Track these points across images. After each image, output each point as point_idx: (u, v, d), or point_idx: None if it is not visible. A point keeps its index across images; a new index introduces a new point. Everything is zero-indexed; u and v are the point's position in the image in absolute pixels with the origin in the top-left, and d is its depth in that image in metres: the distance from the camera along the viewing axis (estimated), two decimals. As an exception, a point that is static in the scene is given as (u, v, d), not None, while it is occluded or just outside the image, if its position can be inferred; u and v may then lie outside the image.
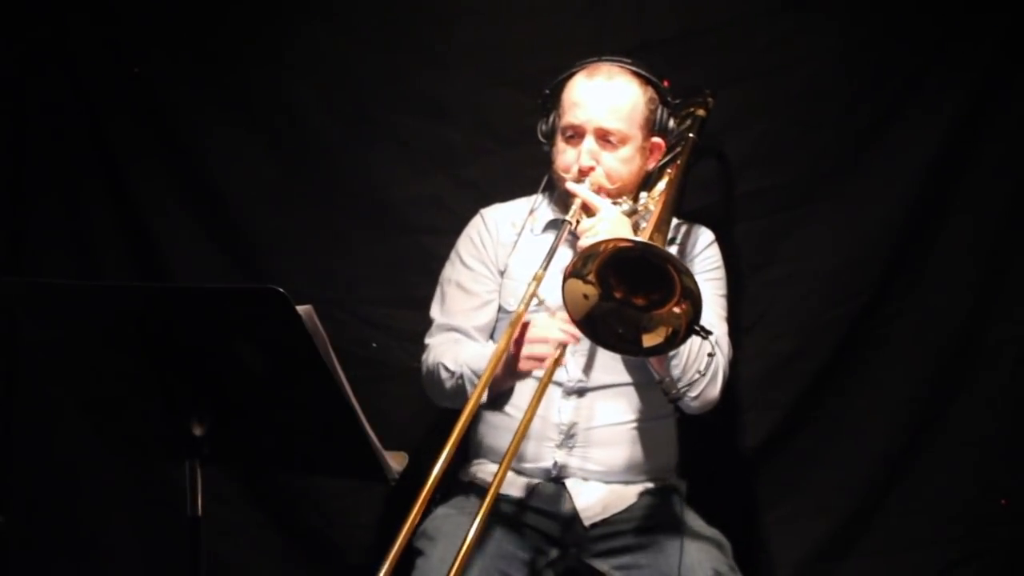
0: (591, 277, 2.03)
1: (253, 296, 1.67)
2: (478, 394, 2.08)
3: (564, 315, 2.11)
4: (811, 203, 2.77)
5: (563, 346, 2.17)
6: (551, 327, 2.18)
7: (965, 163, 2.73)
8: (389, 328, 2.79)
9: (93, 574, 2.88)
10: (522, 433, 2.13)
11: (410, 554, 2.27)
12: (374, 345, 2.72)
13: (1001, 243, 2.75)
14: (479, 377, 2.18)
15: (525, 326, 2.17)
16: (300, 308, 1.63)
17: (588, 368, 2.36)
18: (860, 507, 2.77)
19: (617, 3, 2.80)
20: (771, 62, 2.76)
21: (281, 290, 1.59)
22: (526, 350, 2.18)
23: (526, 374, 2.24)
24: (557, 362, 2.17)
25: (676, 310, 2.00)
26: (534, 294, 2.16)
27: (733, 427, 2.78)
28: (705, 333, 2.00)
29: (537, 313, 2.23)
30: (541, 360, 2.17)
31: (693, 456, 2.58)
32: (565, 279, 2.02)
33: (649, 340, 2.04)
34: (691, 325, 1.98)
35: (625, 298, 2.05)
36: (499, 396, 2.31)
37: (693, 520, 2.35)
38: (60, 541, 2.86)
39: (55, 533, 2.86)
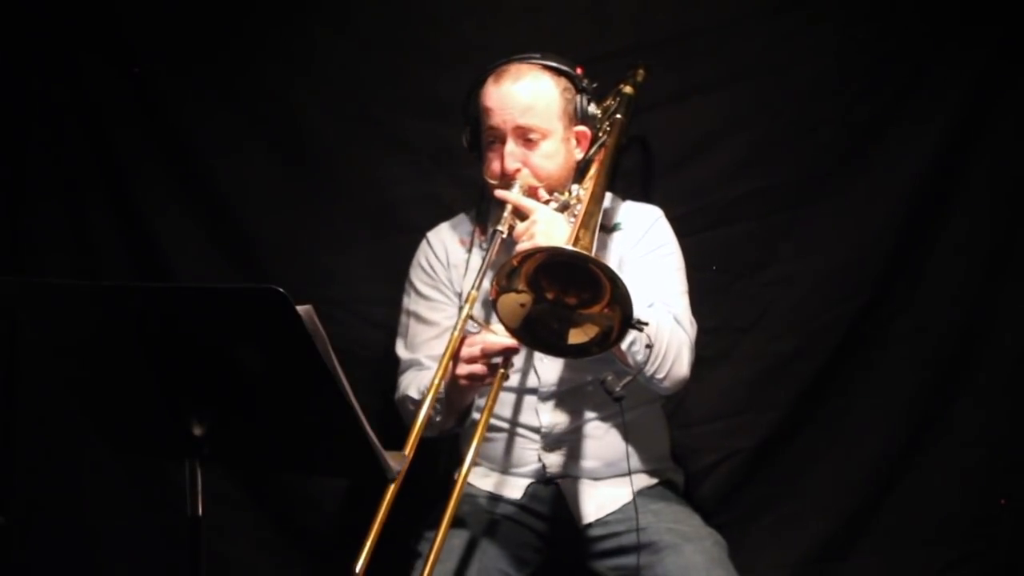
0: (521, 287, 2.02)
1: (253, 296, 1.66)
2: (427, 409, 2.09)
3: (500, 328, 2.11)
4: (811, 203, 2.78)
5: (505, 357, 2.16)
6: (483, 344, 2.16)
7: (964, 163, 2.73)
8: (389, 328, 2.78)
9: (93, 574, 2.88)
10: (480, 432, 2.14)
11: (408, 556, 2.27)
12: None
13: (1001, 243, 2.75)
14: (441, 401, 2.22)
15: (463, 343, 2.17)
16: (300, 308, 1.62)
17: (559, 369, 2.36)
18: (860, 507, 2.77)
19: (617, 3, 2.80)
20: (771, 62, 2.76)
21: (281, 290, 1.59)
22: (461, 370, 2.17)
23: (474, 391, 2.24)
24: (503, 375, 2.16)
25: (607, 309, 2.00)
26: (469, 316, 2.16)
27: (733, 427, 2.78)
28: (641, 325, 1.99)
29: (474, 331, 2.22)
30: (481, 377, 2.17)
31: (693, 456, 2.58)
32: (495, 300, 2.02)
33: (576, 337, 2.03)
34: (625, 321, 1.97)
35: (557, 298, 2.05)
36: (464, 413, 2.32)
37: (690, 519, 2.35)
38: (60, 541, 2.86)
39: (55, 533, 2.86)
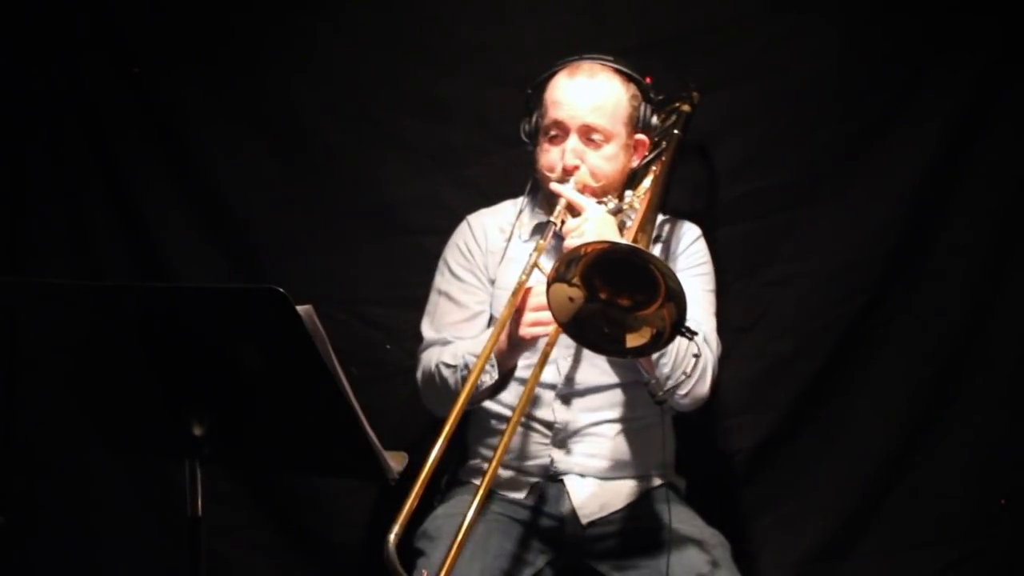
0: (576, 280, 2.02)
1: (253, 296, 1.67)
2: (481, 364, 2.08)
3: None
4: (811, 203, 2.77)
5: None
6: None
7: (965, 162, 2.73)
8: (389, 328, 2.79)
9: (93, 574, 2.89)
10: (512, 429, 2.12)
11: (411, 555, 2.27)
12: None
13: (1000, 243, 2.75)
14: (490, 361, 2.20)
15: (527, 293, 2.16)
16: (300, 308, 1.63)
17: (579, 369, 2.36)
18: (860, 507, 2.77)
19: (617, 3, 2.80)
20: (770, 62, 2.76)
21: (281, 290, 1.60)
22: (529, 317, 2.16)
23: (530, 344, 2.21)
24: (559, 331, 2.11)
25: (661, 311, 1.99)
26: (536, 264, 2.15)
27: (733, 427, 2.78)
28: (691, 334, 1.99)
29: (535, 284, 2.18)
30: (545, 325, 2.15)
31: (693, 457, 2.58)
32: (549, 284, 2.01)
33: (633, 340, 2.03)
34: (676, 326, 1.97)
35: (610, 299, 2.04)
36: (505, 377, 2.28)
37: (692, 519, 2.35)
38: (60, 541, 2.86)
39: (55, 533, 2.86)
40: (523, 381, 2.28)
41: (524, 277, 2.15)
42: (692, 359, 2.15)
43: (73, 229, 2.87)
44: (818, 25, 2.76)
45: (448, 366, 2.30)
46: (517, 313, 2.17)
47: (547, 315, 2.08)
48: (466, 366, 2.26)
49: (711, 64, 2.75)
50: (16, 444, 2.86)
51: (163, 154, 2.85)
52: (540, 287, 2.11)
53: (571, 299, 2.03)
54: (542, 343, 2.21)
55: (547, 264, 2.14)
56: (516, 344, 2.21)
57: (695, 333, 2.01)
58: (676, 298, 1.96)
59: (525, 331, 2.18)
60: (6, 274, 2.76)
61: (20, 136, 2.86)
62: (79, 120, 2.85)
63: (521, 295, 2.16)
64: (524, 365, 2.31)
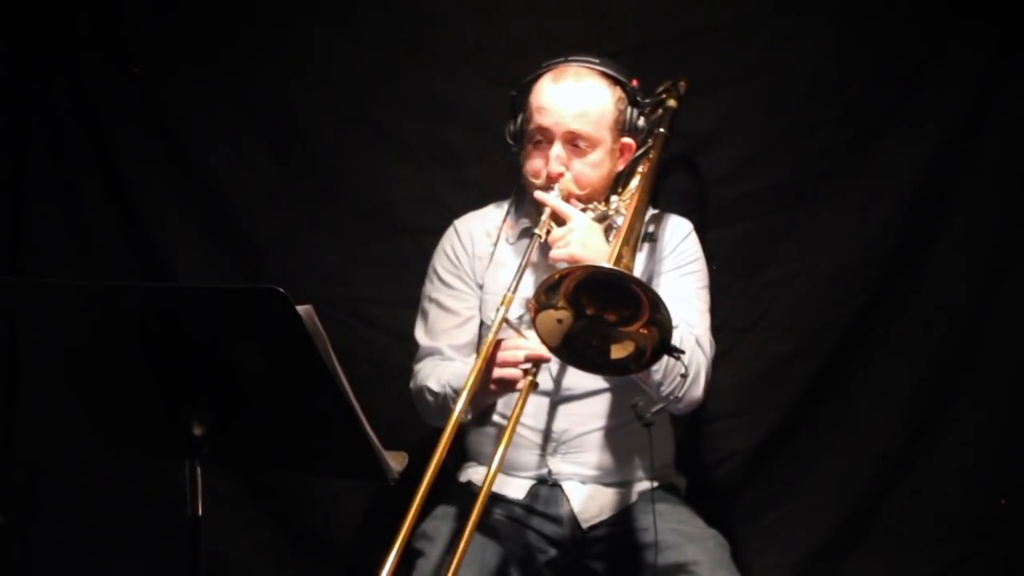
0: (561, 304, 2.01)
1: (253, 296, 1.67)
2: (459, 411, 2.06)
3: (532, 333, 2.10)
4: (811, 203, 2.77)
5: (536, 365, 2.12)
6: (519, 349, 2.13)
7: (965, 162, 2.73)
8: (389, 328, 2.79)
9: (93, 574, 2.89)
10: (507, 443, 2.10)
11: (409, 555, 2.27)
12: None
13: (1000, 243, 2.75)
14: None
15: (497, 347, 2.13)
16: (300, 308, 1.63)
17: (574, 374, 2.34)
18: (860, 507, 2.77)
19: (617, 3, 2.80)
20: (771, 62, 2.76)
21: (281, 290, 1.59)
22: (496, 373, 2.14)
23: (504, 393, 2.21)
24: (532, 382, 2.12)
25: (645, 329, 1.98)
26: (504, 319, 2.12)
27: (733, 427, 2.78)
28: (678, 353, 1.97)
29: (508, 336, 2.16)
30: (513, 382, 2.13)
31: (693, 457, 2.58)
32: (534, 316, 2.00)
33: (617, 352, 2.02)
34: (662, 345, 1.95)
35: (597, 314, 2.03)
36: (484, 413, 2.28)
37: (693, 520, 2.35)
38: (60, 541, 2.86)
39: (55, 533, 2.86)
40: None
41: (491, 336, 2.11)
42: (678, 379, 2.14)
43: (73, 229, 2.87)
44: (818, 25, 2.75)
45: (431, 392, 2.31)
46: (488, 367, 2.14)
47: (516, 372, 2.10)
48: (444, 396, 2.27)
49: (711, 64, 2.75)
50: (16, 443, 2.86)
51: (163, 154, 2.85)
52: (510, 341, 2.12)
53: (559, 321, 2.02)
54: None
55: (534, 278, 2.12)
56: (489, 393, 2.19)
57: (682, 352, 1.99)
58: (658, 320, 1.94)
59: (495, 387, 2.16)
60: (6, 274, 2.76)
61: (20, 135, 2.86)
62: (79, 119, 2.85)
63: (490, 349, 2.11)
64: None
